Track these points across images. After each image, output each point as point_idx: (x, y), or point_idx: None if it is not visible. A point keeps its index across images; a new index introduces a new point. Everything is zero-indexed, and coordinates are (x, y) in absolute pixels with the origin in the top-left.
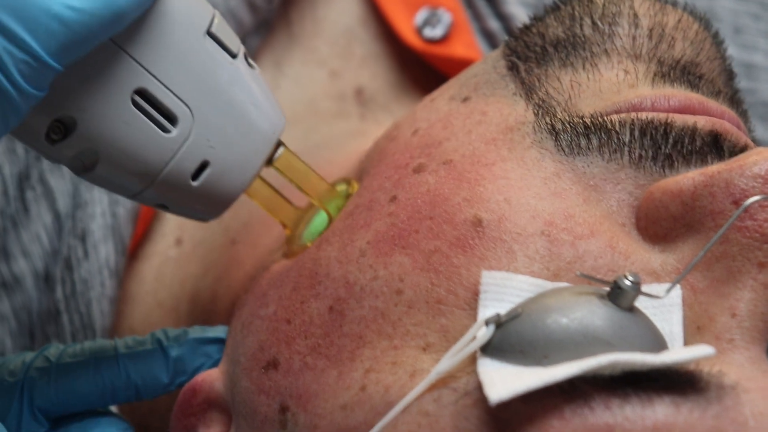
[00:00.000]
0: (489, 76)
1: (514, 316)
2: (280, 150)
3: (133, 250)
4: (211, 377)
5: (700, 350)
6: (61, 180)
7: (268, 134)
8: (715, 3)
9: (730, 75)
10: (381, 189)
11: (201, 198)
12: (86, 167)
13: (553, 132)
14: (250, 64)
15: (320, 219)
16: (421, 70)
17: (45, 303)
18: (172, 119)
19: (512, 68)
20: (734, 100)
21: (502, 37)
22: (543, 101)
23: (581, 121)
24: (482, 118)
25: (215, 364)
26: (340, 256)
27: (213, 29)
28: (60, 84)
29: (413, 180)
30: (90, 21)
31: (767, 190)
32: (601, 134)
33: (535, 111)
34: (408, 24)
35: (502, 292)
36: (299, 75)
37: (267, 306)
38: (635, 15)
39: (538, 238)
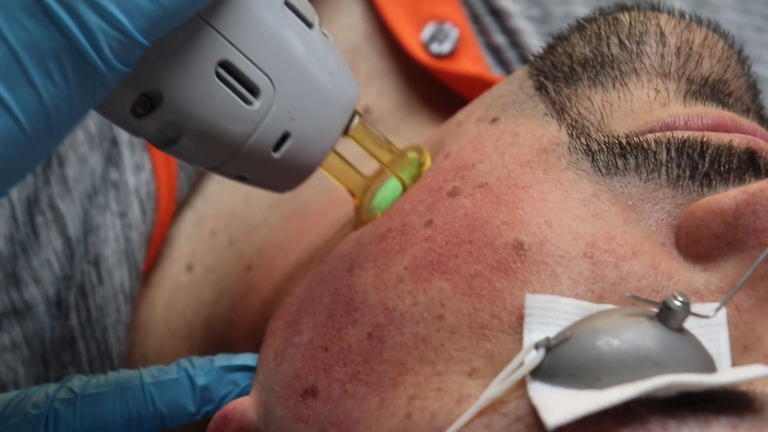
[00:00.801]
0: (516, 96)
1: (563, 339)
2: (356, 119)
3: (144, 276)
4: (243, 405)
5: (757, 370)
6: (71, 205)
7: (345, 104)
8: (719, 15)
9: (755, 92)
10: (414, 213)
11: (281, 169)
12: (169, 140)
13: (589, 152)
14: (324, 34)
15: (390, 188)
16: (428, 87)
17: (58, 330)
18: (254, 91)
19: (540, 88)
20: (762, 116)
21: (509, 51)
22: (576, 121)
23: (617, 141)
24: (514, 140)
25: (243, 392)
26: (376, 282)
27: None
28: (147, 58)
29: (449, 204)
30: None
31: None
32: (637, 154)
33: (569, 132)
34: (415, 40)
35: (548, 315)
36: None
37: (301, 334)
38: (662, 33)
39: (582, 261)
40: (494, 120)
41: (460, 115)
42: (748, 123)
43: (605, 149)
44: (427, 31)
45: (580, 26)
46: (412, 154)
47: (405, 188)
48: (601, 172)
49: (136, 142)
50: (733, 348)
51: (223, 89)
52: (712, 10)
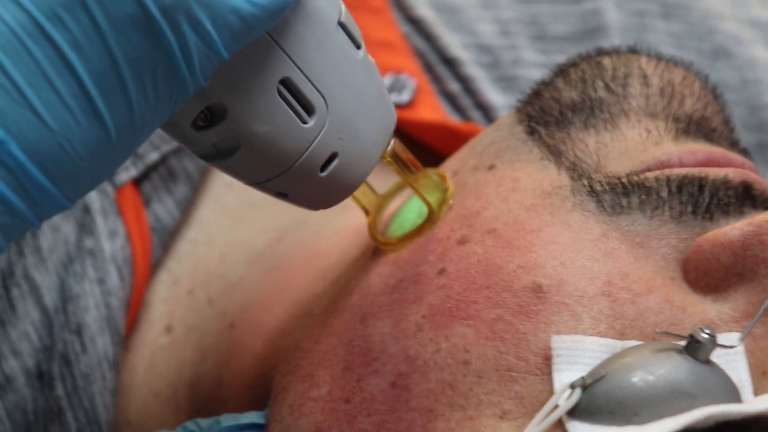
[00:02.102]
0: (508, 142)
1: (599, 377)
2: (392, 141)
3: (123, 341)
4: None
5: None
6: (46, 275)
7: (386, 126)
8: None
9: (732, 127)
10: (425, 262)
11: (323, 189)
12: (221, 154)
13: (594, 193)
14: (368, 55)
15: (410, 210)
16: None
17: (43, 401)
18: (309, 110)
19: (532, 133)
20: (745, 150)
21: (464, 98)
22: (574, 164)
23: (618, 181)
24: (515, 185)
25: None
26: (394, 332)
27: (342, 19)
28: (217, 73)
29: (460, 252)
30: (261, 14)
31: None
32: (640, 193)
33: (570, 174)
34: None
35: (575, 355)
36: None
37: (318, 387)
38: (644, 75)
39: (600, 299)
40: (491, 167)
41: (453, 162)
42: (737, 157)
43: (609, 189)
44: (386, 81)
45: (563, 71)
46: (435, 178)
47: (431, 212)
48: (607, 212)
49: (108, 208)
50: (753, 375)
51: (283, 106)
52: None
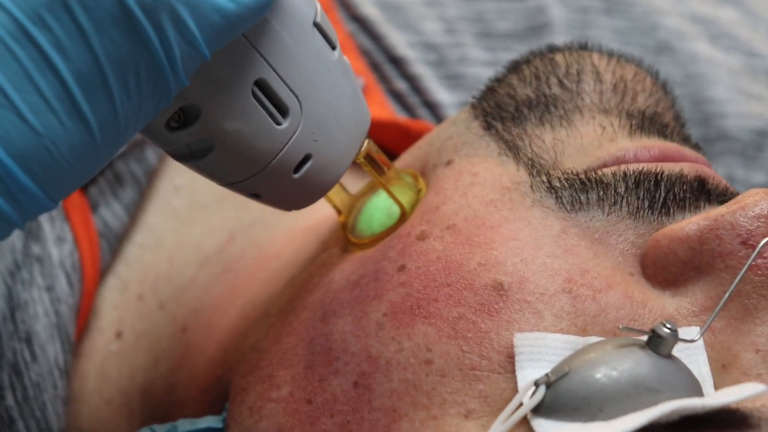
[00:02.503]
0: (465, 137)
1: (562, 374)
2: (366, 143)
3: (73, 348)
4: None
5: (753, 388)
6: None
7: (360, 128)
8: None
9: (683, 122)
10: (385, 258)
11: (297, 190)
12: (194, 155)
13: (553, 190)
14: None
15: (376, 207)
16: None
17: None
18: (283, 111)
19: (489, 128)
20: (698, 144)
21: (411, 96)
22: (532, 160)
23: (577, 177)
24: (474, 179)
25: None
26: (355, 330)
27: (318, 20)
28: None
29: (419, 248)
30: (243, 12)
31: None
32: (598, 189)
33: (528, 170)
34: None
35: (538, 352)
36: None
37: (279, 388)
38: (597, 71)
39: (562, 296)
40: (449, 162)
41: (412, 161)
42: (691, 152)
43: (567, 186)
44: None
45: (516, 68)
46: (408, 179)
47: (404, 212)
48: (566, 208)
49: (55, 214)
50: (713, 368)
51: (257, 107)
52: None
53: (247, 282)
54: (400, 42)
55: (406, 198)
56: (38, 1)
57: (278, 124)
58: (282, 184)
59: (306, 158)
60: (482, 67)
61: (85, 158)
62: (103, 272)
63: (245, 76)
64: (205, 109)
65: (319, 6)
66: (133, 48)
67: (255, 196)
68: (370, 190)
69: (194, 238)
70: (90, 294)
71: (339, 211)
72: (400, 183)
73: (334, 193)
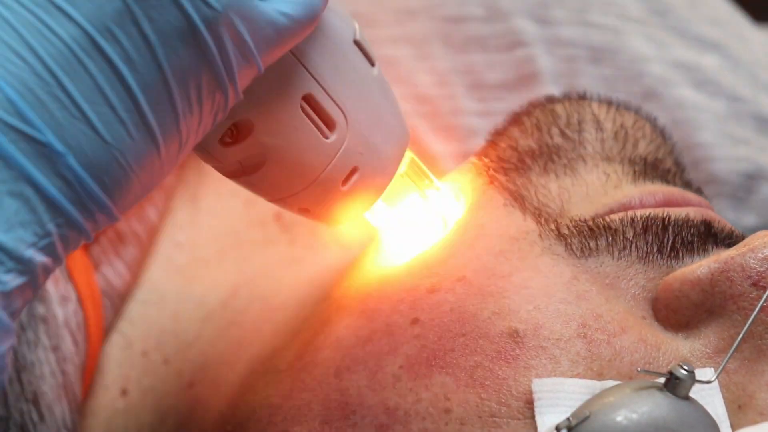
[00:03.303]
0: (469, 191)
1: (583, 418)
2: (407, 156)
3: (79, 407)
4: None
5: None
6: None
7: (402, 140)
8: None
9: (683, 167)
10: (396, 313)
11: (344, 202)
12: (245, 171)
13: (562, 237)
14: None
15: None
16: None
17: None
18: (330, 125)
19: (492, 182)
20: (700, 189)
21: None
22: (538, 209)
23: (585, 224)
24: (480, 231)
25: None
26: (371, 384)
27: (358, 37)
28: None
29: (431, 300)
30: (294, 28)
31: None
32: (607, 235)
33: (536, 219)
34: None
35: (556, 397)
36: (215, 208)
37: None
38: (597, 120)
39: (577, 341)
40: None
41: None
42: (694, 196)
43: (576, 233)
44: None
45: (517, 119)
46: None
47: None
48: (575, 254)
49: (59, 274)
50: (729, 409)
51: (306, 122)
52: None
53: (252, 336)
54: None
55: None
56: (107, 14)
57: (326, 137)
58: (331, 197)
59: (353, 171)
60: (475, 117)
61: (149, 169)
62: (107, 330)
63: (294, 92)
64: (257, 123)
65: (357, 25)
66: (195, 60)
67: (304, 211)
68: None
69: (197, 294)
70: (95, 353)
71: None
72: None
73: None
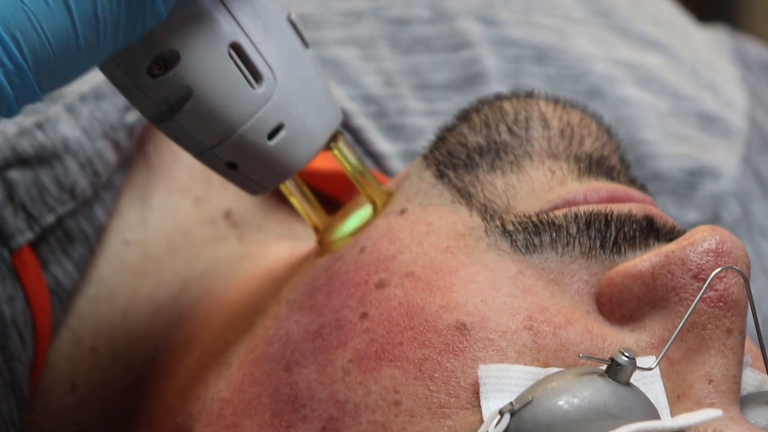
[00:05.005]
0: (418, 187)
1: (526, 402)
2: (339, 136)
3: (29, 403)
4: None
5: (709, 414)
6: None
7: (332, 118)
8: None
9: (628, 164)
10: (345, 307)
11: (271, 161)
12: (172, 109)
13: (507, 233)
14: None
15: (349, 221)
16: None
17: None
18: (257, 77)
19: (441, 177)
20: (643, 185)
21: (354, 147)
22: (485, 206)
23: (529, 220)
24: (428, 228)
25: None
26: (321, 377)
27: (293, 18)
28: (173, 19)
29: (379, 295)
30: None
31: (720, 263)
32: (551, 231)
33: (482, 215)
34: None
35: (501, 383)
36: (165, 206)
37: None
38: (544, 118)
39: (523, 333)
40: (403, 211)
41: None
42: (637, 192)
43: (521, 229)
44: None
45: (466, 116)
46: (376, 182)
47: (376, 210)
48: (521, 250)
49: (6, 273)
50: (669, 399)
51: (233, 65)
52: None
53: (203, 330)
54: (340, 95)
55: (379, 199)
56: None
57: (253, 87)
58: (257, 152)
59: (279, 127)
60: (422, 117)
61: (66, 51)
62: (55, 328)
63: (221, 34)
64: (183, 55)
65: (293, 14)
66: None
67: (231, 166)
68: (345, 213)
69: (147, 289)
70: (43, 350)
71: (317, 230)
72: (371, 182)
73: (313, 209)
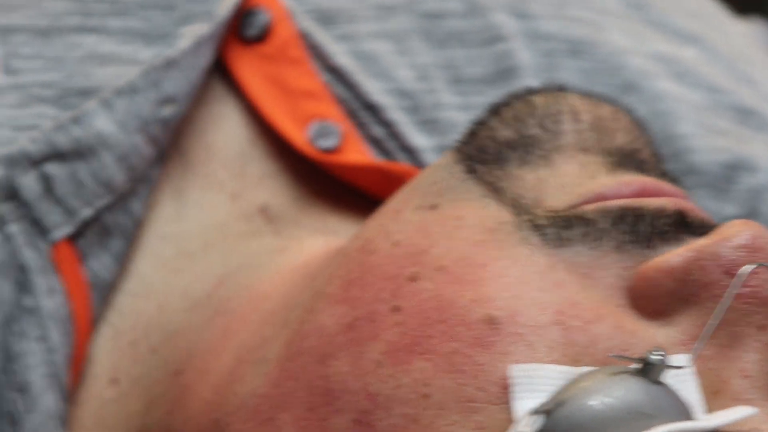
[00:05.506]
0: (448, 182)
1: (559, 403)
2: None
3: (69, 396)
4: None
5: (743, 411)
6: None
7: None
8: None
9: (660, 157)
10: (378, 300)
11: None
12: None
13: (537, 227)
14: None
15: None
16: (320, 181)
17: None
18: None
19: (471, 171)
20: (675, 179)
21: (389, 142)
22: (515, 200)
23: (560, 215)
24: (459, 223)
25: None
26: (353, 370)
27: None
28: None
29: (412, 288)
30: None
31: (753, 259)
32: (582, 225)
33: (512, 210)
34: (301, 138)
35: (532, 383)
36: (201, 201)
37: (280, 430)
38: (575, 111)
39: (553, 328)
40: (434, 206)
41: (395, 203)
42: (670, 186)
43: (551, 223)
44: (312, 129)
45: (496, 111)
46: None
47: None
48: (551, 244)
49: (46, 266)
50: (704, 395)
51: None
52: None
53: (239, 325)
54: (374, 89)
55: None
56: None
57: None
58: None
59: None
60: (456, 111)
61: None
62: (95, 321)
63: None
64: None
65: None
66: None
67: None
68: None
69: (183, 285)
70: (83, 343)
71: None
72: None
73: None
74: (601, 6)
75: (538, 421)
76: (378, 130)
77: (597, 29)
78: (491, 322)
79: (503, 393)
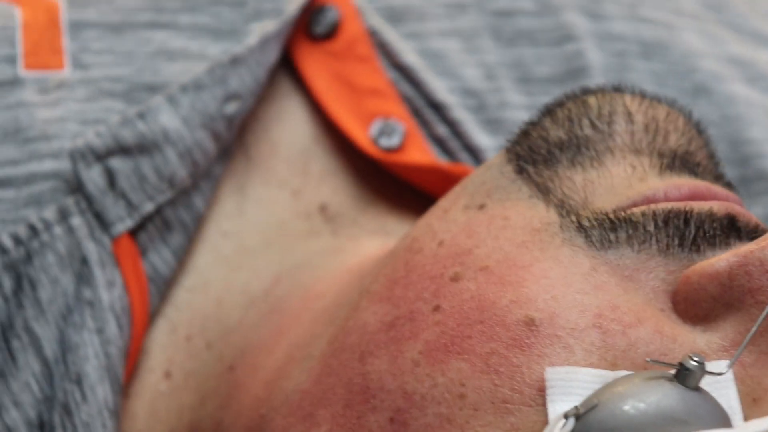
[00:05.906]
0: (498, 181)
1: (591, 406)
2: None
3: (123, 388)
4: None
5: None
6: (46, 326)
7: None
8: None
9: (717, 160)
10: (420, 300)
11: None
12: None
13: (582, 229)
14: None
15: None
16: (381, 180)
17: None
18: None
19: (521, 172)
20: (729, 183)
21: (452, 141)
22: (562, 201)
23: (606, 216)
24: (505, 223)
25: None
26: (391, 368)
27: None
28: None
29: (453, 288)
30: None
31: None
32: (627, 227)
33: (558, 211)
34: (364, 136)
35: (568, 386)
36: (262, 198)
37: (318, 426)
38: (629, 112)
39: (592, 331)
40: (482, 206)
41: (444, 202)
42: (721, 190)
43: (596, 225)
44: (375, 127)
45: (550, 111)
46: None
47: None
48: (595, 246)
49: (106, 259)
50: (743, 402)
51: None
52: None
53: (292, 322)
54: (440, 88)
55: None
56: None
57: None
58: None
59: None
60: (522, 111)
61: None
62: (152, 315)
63: None
64: None
65: None
66: None
67: None
68: None
69: (241, 282)
70: (139, 336)
71: None
72: None
73: None
74: (677, 6)
75: (570, 424)
76: (442, 129)
77: (670, 31)
78: (530, 323)
79: (538, 395)
